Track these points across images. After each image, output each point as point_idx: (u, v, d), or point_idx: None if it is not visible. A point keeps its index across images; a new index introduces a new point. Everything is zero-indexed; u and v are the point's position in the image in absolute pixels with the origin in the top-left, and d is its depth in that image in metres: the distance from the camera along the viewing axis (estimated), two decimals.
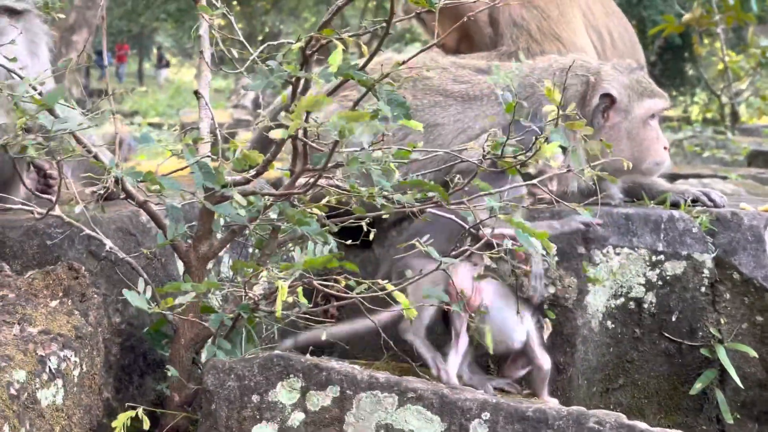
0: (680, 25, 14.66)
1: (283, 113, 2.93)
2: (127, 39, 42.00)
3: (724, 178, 7.16)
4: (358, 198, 3.27)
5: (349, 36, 3.09)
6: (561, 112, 3.26)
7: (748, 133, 14.37)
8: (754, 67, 15.75)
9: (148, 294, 3.19)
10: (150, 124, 20.99)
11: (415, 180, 3.26)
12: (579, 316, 4.04)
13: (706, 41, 17.91)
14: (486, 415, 2.89)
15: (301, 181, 3.23)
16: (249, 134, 8.66)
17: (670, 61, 26.80)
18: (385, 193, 3.17)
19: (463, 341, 3.58)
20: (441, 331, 3.72)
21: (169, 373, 3.30)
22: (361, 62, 3.18)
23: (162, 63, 44.01)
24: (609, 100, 4.24)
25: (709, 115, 19.24)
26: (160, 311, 3.14)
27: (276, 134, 2.91)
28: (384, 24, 3.06)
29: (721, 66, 16.14)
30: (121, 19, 35.00)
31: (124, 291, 3.13)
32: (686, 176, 7.22)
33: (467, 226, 3.41)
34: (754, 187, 6.56)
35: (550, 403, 3.43)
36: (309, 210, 3.24)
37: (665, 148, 4.36)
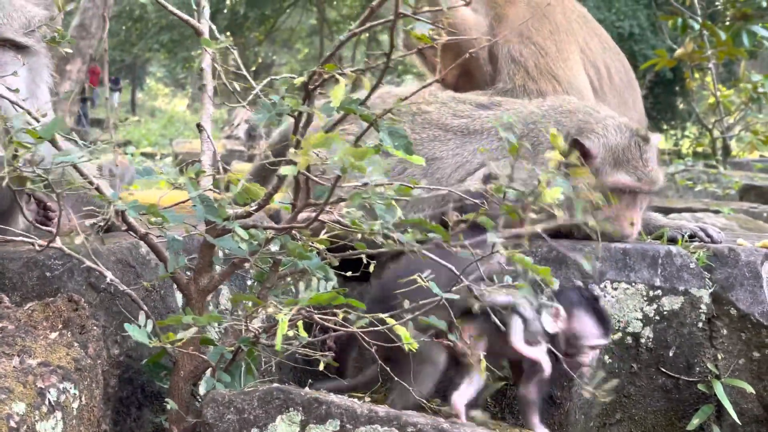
0: (672, 59, 14.73)
1: (292, 149, 2.93)
2: (119, 69, 41.90)
3: (717, 212, 7.18)
4: (359, 233, 3.28)
5: (352, 71, 3.11)
6: (563, 159, 3.26)
7: (740, 167, 14.43)
8: (746, 102, 15.81)
9: (149, 327, 3.19)
10: (143, 154, 20.97)
11: (416, 219, 3.26)
12: None
13: (696, 76, 17.99)
14: None
15: (303, 215, 3.24)
16: (242, 164, 8.67)
17: (662, 95, 26.95)
18: (386, 230, 3.18)
19: (479, 379, 3.60)
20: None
21: (168, 406, 3.29)
22: (361, 95, 3.21)
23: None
24: (581, 149, 4.21)
25: (699, 149, 19.28)
26: (161, 345, 3.14)
27: (285, 170, 2.91)
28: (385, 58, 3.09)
29: (712, 100, 16.22)
30: (114, 49, 35.09)
31: (126, 325, 3.13)
32: (679, 210, 7.23)
33: (457, 272, 3.39)
34: (746, 221, 6.58)
35: None
36: (310, 244, 3.25)
37: (632, 224, 4.32)
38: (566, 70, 5.08)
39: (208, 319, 3.19)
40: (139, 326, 3.17)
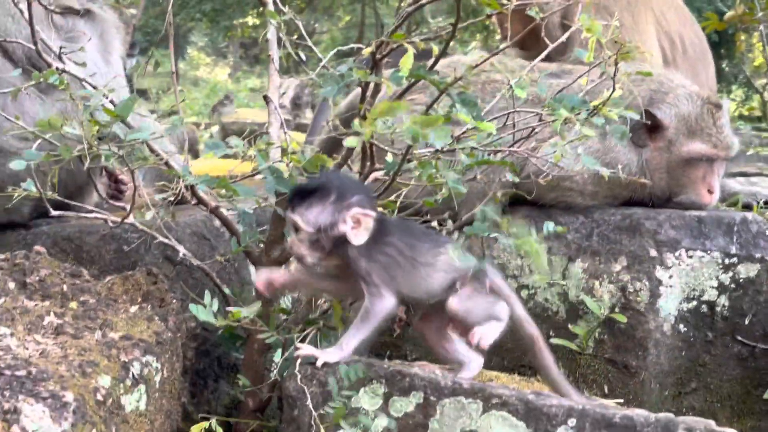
0: (722, 22, 14.52)
1: (356, 120, 2.91)
2: (162, 39, 41.87)
3: None
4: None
5: (421, 40, 3.09)
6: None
7: None
8: None
9: (215, 306, 3.16)
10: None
11: (483, 159, 3.22)
12: (651, 319, 4.00)
13: (743, 38, 17.74)
14: (572, 422, 2.86)
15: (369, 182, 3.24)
16: (290, 133, 8.61)
17: None
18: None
19: None
20: None
21: (241, 382, 3.28)
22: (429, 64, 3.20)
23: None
24: (653, 120, 4.16)
25: (745, 112, 19.07)
26: (227, 323, 3.13)
27: (351, 142, 2.89)
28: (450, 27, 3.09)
29: (758, 62, 16.00)
30: (156, 19, 35.09)
31: (191, 306, 3.11)
32: (732, 174, 7.10)
33: None
34: None
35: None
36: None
37: (710, 191, 4.27)
38: (640, 42, 4.97)
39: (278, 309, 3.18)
40: (204, 306, 3.14)
